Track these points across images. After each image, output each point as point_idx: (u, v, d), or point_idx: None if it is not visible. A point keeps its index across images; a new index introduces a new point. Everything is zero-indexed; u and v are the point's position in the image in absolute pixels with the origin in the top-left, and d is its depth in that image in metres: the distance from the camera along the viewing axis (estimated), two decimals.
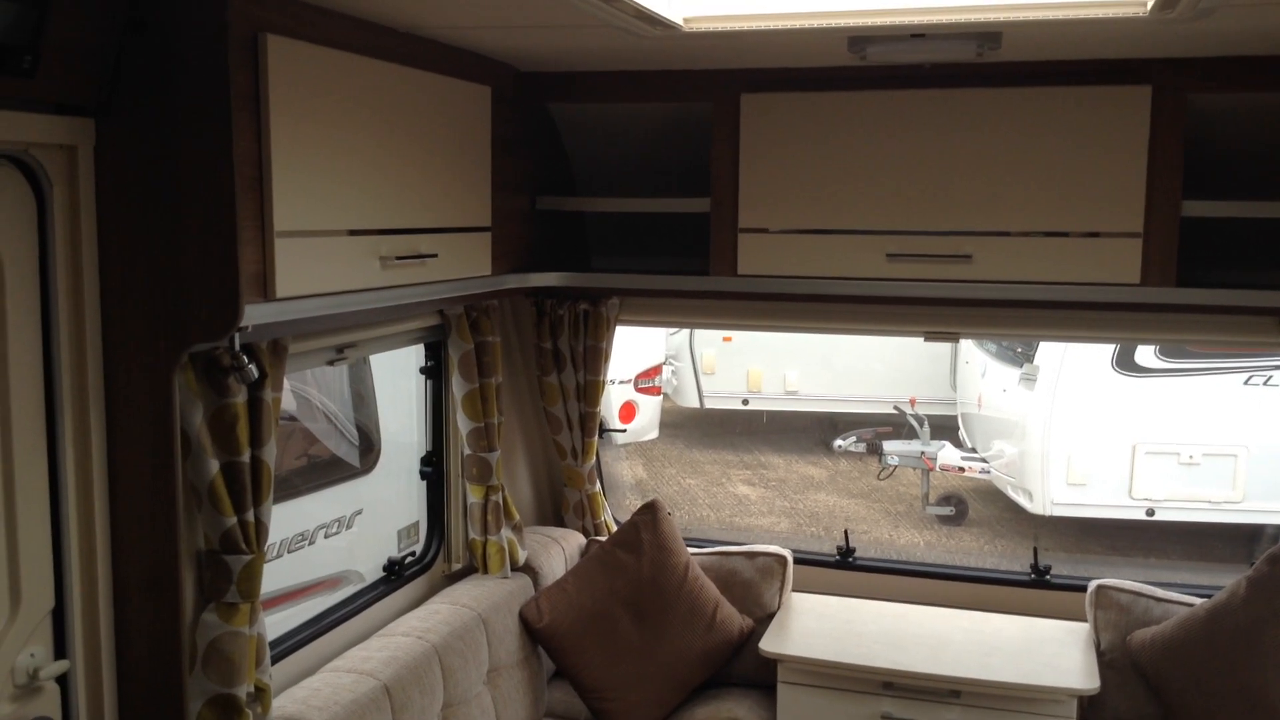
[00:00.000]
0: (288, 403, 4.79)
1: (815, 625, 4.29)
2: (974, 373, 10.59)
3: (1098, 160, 3.63)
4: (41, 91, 2.30)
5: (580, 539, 4.69)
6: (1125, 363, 8.94)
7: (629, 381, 11.07)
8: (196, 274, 2.50)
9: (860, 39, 3.25)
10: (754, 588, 4.43)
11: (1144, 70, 3.54)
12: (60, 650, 2.53)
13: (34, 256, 2.43)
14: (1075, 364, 9.00)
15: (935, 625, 4.26)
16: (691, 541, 4.60)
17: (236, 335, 2.66)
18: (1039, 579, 4.44)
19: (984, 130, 3.71)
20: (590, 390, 4.55)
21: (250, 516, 2.84)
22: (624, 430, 10.59)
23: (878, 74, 3.70)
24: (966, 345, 10.65)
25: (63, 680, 2.53)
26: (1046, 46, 3.40)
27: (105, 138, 2.49)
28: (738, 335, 11.97)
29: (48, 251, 2.44)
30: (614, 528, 4.73)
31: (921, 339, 4.23)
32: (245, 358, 2.73)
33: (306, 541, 4.52)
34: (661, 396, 11.93)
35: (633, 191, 4.31)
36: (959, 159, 3.73)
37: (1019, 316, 4.00)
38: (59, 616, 2.52)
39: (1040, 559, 4.45)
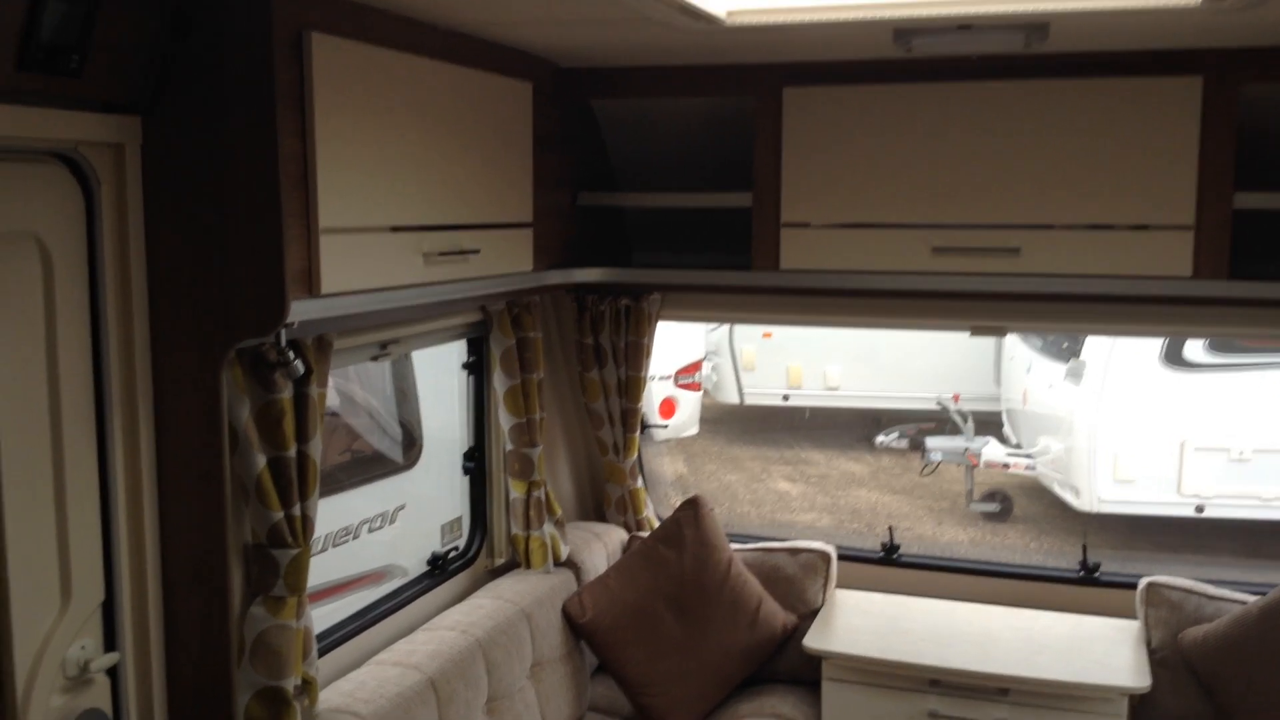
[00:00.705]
0: (331, 399, 4.83)
1: (860, 622, 4.26)
2: (1019, 368, 10.48)
3: (1148, 152, 3.57)
4: (89, 90, 2.32)
5: (622, 534, 4.68)
6: (1174, 357, 8.81)
7: (669, 377, 11.06)
8: (243, 270, 2.52)
9: (906, 31, 3.21)
10: (797, 584, 4.41)
11: (1195, 61, 3.48)
12: (110, 643, 2.56)
13: (83, 254, 2.46)
14: (1123, 359, 8.88)
15: (983, 622, 4.22)
16: (733, 537, 4.58)
17: (282, 331, 2.68)
18: (1088, 576, 4.38)
19: (1032, 122, 3.66)
20: (631, 386, 4.54)
21: (297, 511, 2.86)
22: (665, 426, 10.58)
23: (923, 66, 3.66)
24: (1011, 340, 10.53)
25: (113, 672, 2.56)
26: (1095, 37, 3.35)
27: (152, 136, 2.51)
28: (778, 331, 11.91)
29: (96, 249, 2.47)
30: (656, 523, 4.72)
31: (967, 333, 4.18)
32: (291, 353, 2.75)
33: (351, 536, 4.56)
34: (701, 392, 11.90)
35: (674, 187, 4.29)
36: (1006, 151, 3.68)
37: (1067, 310, 3.94)
38: (109, 609, 2.55)
39: (1088, 556, 4.39)
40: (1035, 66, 3.60)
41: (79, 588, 2.46)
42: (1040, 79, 3.63)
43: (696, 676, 4.13)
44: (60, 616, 2.42)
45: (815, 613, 4.34)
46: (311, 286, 2.68)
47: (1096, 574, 4.37)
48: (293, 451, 2.83)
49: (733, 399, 12.45)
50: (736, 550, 4.45)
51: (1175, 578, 4.12)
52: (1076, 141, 3.63)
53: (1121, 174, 3.60)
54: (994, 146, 3.70)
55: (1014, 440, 10.62)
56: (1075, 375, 9.15)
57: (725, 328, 12.13)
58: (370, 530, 4.67)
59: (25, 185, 2.32)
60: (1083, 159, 3.62)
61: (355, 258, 2.84)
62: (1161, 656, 3.96)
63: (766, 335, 12.06)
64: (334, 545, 4.45)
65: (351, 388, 5.04)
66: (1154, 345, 8.82)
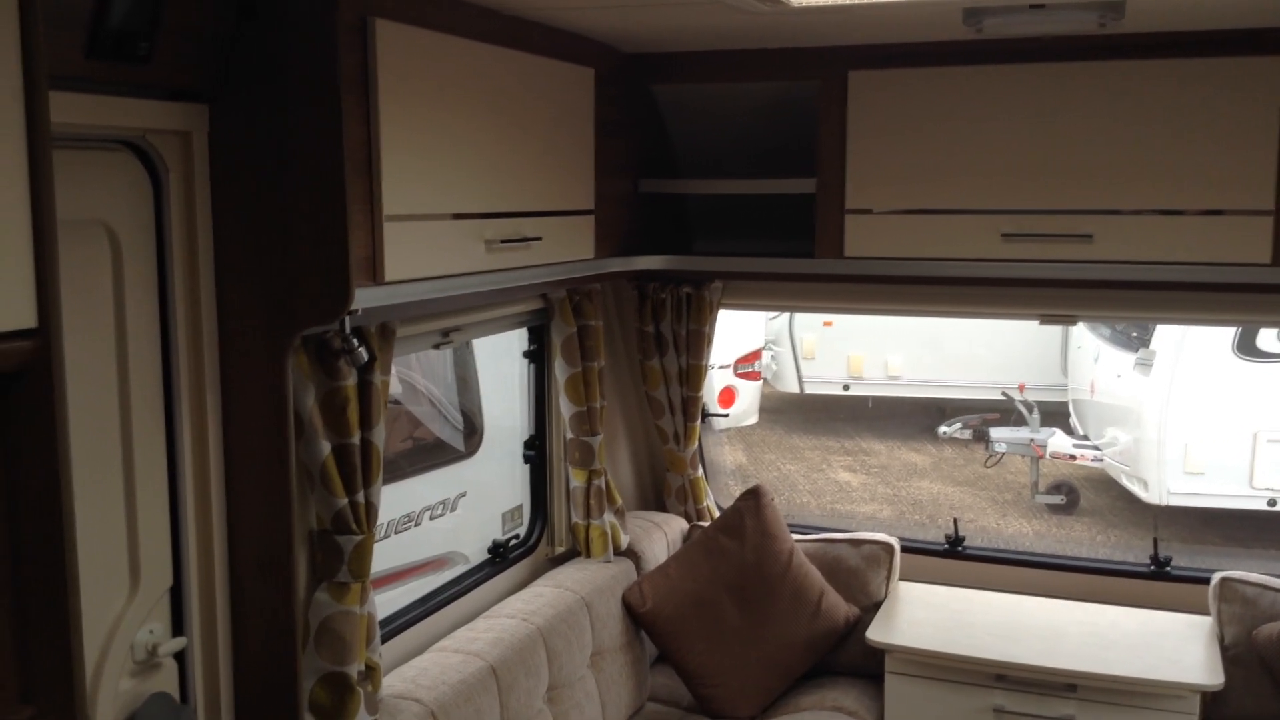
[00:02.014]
0: (393, 387, 4.85)
1: (924, 615, 4.20)
2: (1086, 358, 10.29)
3: (1225, 135, 3.46)
4: (157, 78, 2.33)
5: (682, 524, 4.66)
6: (1247, 347, 8.59)
7: (728, 366, 11.01)
8: (308, 257, 2.53)
9: (976, 11, 3.14)
10: (860, 576, 4.35)
11: (1275, 40, 3.36)
12: (178, 628, 2.58)
13: (151, 241, 2.48)
14: (1194, 348, 8.68)
15: (1050, 617, 4.14)
16: (794, 528, 4.54)
17: (347, 319, 2.68)
18: (1159, 570, 4.28)
19: (1105, 105, 3.56)
20: (692, 374, 4.51)
21: (360, 498, 2.87)
22: (726, 415, 10.53)
23: (993, 47, 3.58)
24: (1079, 329, 10.34)
25: (180, 657, 2.59)
26: (1171, 16, 3.25)
27: (219, 123, 2.52)
28: (839, 319, 11.80)
29: (164, 235, 2.49)
30: (716, 513, 4.69)
31: (1036, 322, 4.10)
32: (355, 341, 2.75)
33: (412, 523, 4.58)
34: (761, 381, 11.83)
35: (736, 173, 4.25)
36: (1079, 135, 3.59)
37: (1140, 298, 3.84)
38: (176, 595, 2.58)
39: (1160, 550, 4.29)
40: (1108, 47, 3.50)
41: (148, 573, 2.48)
42: (1113, 60, 3.53)
43: (757, 668, 4.10)
44: (129, 601, 2.45)
45: (878, 605, 4.28)
46: (375, 274, 2.68)
47: (1168, 568, 4.27)
48: (357, 439, 2.84)
49: (792, 388, 12.37)
50: (798, 541, 4.41)
51: (1249, 573, 4.01)
52: (1151, 125, 3.53)
53: (1198, 158, 3.49)
54: (1065, 130, 3.61)
55: (1080, 431, 10.44)
56: (1145, 365, 8.97)
57: (785, 316, 12.05)
58: (432, 517, 4.68)
59: (95, 173, 2.34)
60: (1157, 142, 3.52)
61: (418, 245, 2.84)
62: (1235, 654, 3.86)
63: (827, 324, 11.96)
64: (396, 532, 4.47)
65: (413, 376, 5.05)
66: (1226, 334, 8.61)
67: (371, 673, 2.93)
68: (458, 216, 3.02)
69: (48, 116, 1.57)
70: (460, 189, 3.01)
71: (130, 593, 2.45)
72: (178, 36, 2.31)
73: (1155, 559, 4.29)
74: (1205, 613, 4.06)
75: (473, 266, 3.07)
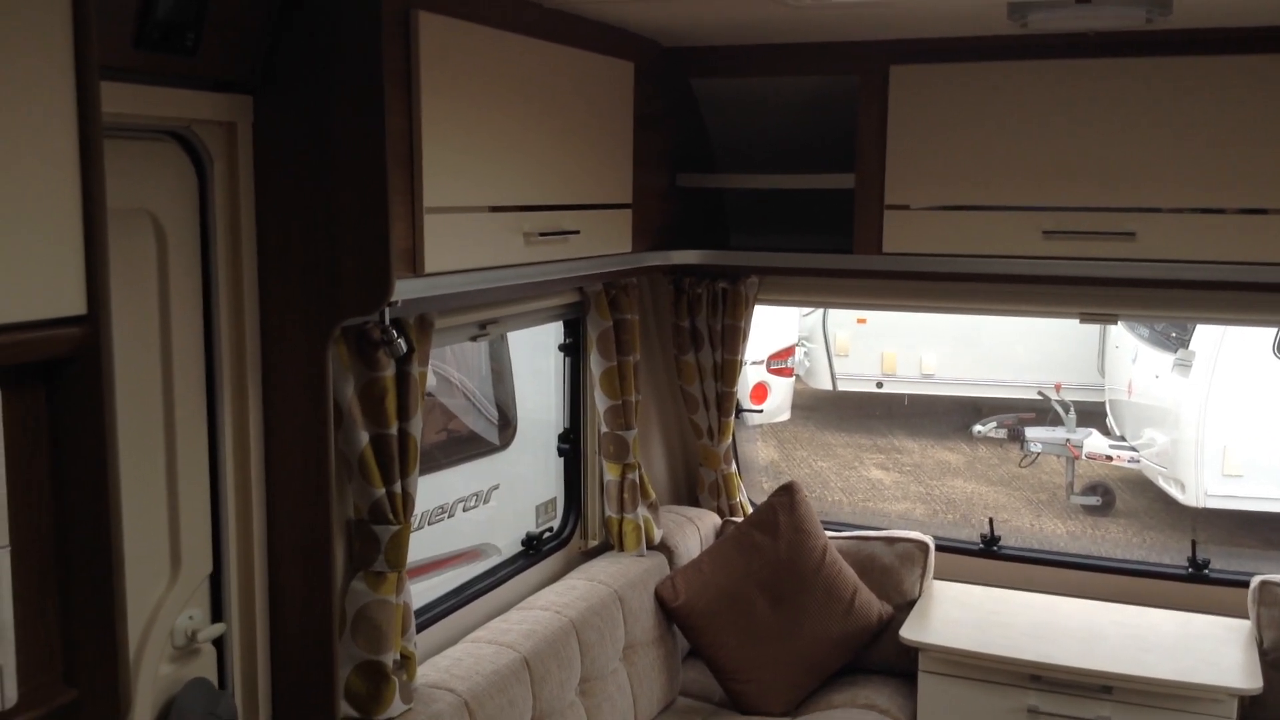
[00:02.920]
0: (429, 380, 4.88)
1: (958, 614, 4.17)
2: (1124, 358, 10.19)
3: (1270, 133, 3.41)
4: (203, 69, 2.35)
5: (715, 519, 4.65)
6: None
7: (761, 362, 10.97)
8: (350, 249, 2.54)
9: (1021, 5, 3.10)
10: (893, 574, 4.34)
11: None
12: (217, 614, 2.61)
13: (195, 230, 2.50)
14: (1233, 349, 8.57)
15: (1086, 618, 4.10)
16: (828, 525, 4.52)
17: (386, 310, 2.70)
18: (1197, 573, 4.23)
19: (1152, 101, 3.52)
20: (727, 370, 4.50)
21: (398, 488, 2.89)
22: (760, 410, 10.50)
23: (1036, 43, 3.55)
24: (1117, 330, 10.25)
25: (219, 643, 2.61)
26: (1220, 12, 3.20)
27: (263, 114, 2.54)
28: (873, 317, 11.74)
29: (208, 225, 2.51)
30: (749, 509, 4.68)
31: (1076, 320, 4.06)
32: (395, 332, 2.77)
33: (446, 514, 4.60)
34: (794, 378, 11.80)
35: (774, 168, 4.23)
36: (1123, 132, 3.55)
37: (1181, 298, 3.80)
38: (216, 581, 2.60)
39: (1198, 553, 4.25)
40: (1155, 43, 3.46)
41: (188, 560, 2.51)
42: (1157, 56, 3.49)
43: (789, 664, 4.09)
44: (170, 587, 2.48)
45: (912, 604, 4.26)
46: (415, 265, 2.70)
47: (1206, 570, 4.23)
48: (394, 429, 2.86)
49: (825, 385, 12.31)
50: (831, 538, 4.39)
51: None
52: (1195, 122, 3.49)
53: (1246, 156, 3.44)
54: (1108, 127, 3.57)
55: (1117, 432, 10.34)
56: (1183, 366, 8.87)
57: (818, 313, 12.00)
58: (465, 509, 4.71)
59: (141, 163, 2.37)
60: (1205, 140, 3.48)
61: (457, 237, 2.85)
62: (1275, 658, 3.81)
63: (861, 321, 11.89)
64: (429, 523, 4.49)
65: (448, 370, 5.08)
66: (1266, 335, 8.50)
67: (407, 662, 2.94)
68: (496, 209, 3.03)
69: (99, 106, 1.59)
70: (499, 182, 3.02)
71: (171, 579, 2.48)
72: (223, 28, 2.32)
73: (1193, 561, 4.24)
74: (1244, 616, 4.02)
75: (511, 259, 3.08)
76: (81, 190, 1.59)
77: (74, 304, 1.57)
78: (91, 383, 1.60)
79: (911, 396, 12.32)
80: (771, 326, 10.88)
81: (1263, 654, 3.82)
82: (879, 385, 12.15)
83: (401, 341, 2.80)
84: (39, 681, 1.61)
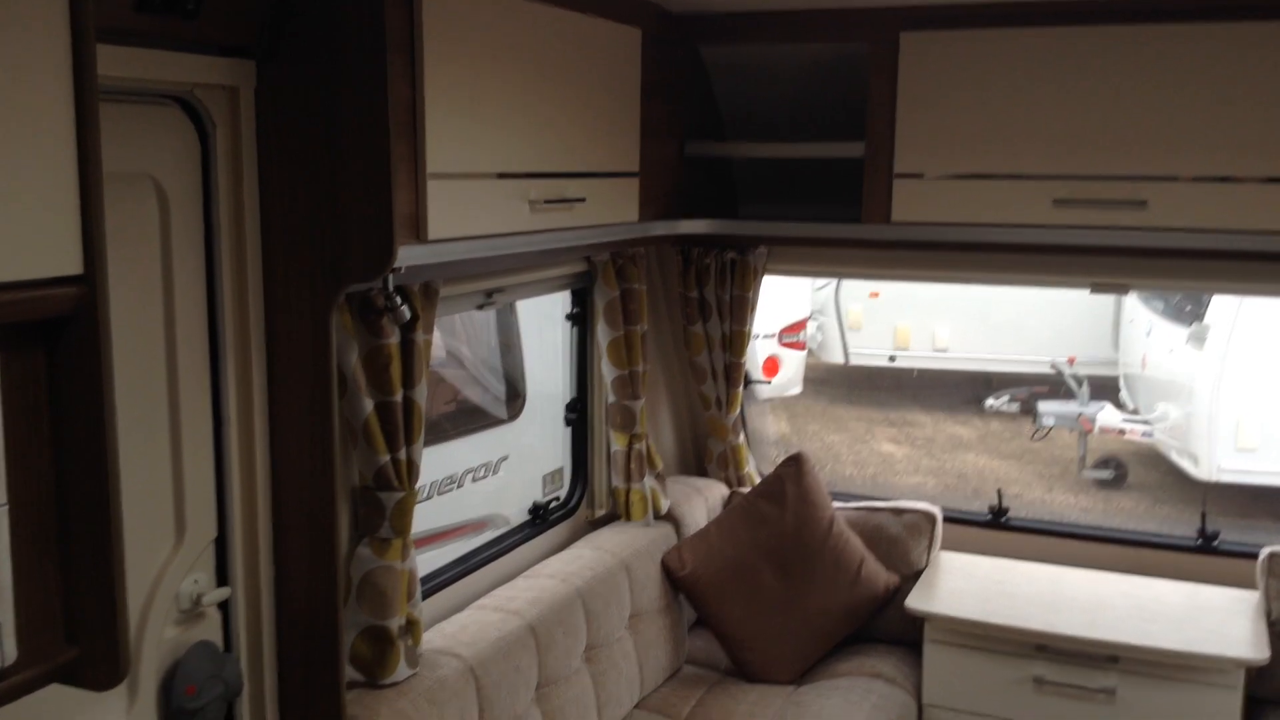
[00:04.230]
0: (438, 351, 4.88)
1: (965, 585, 4.17)
2: (1139, 331, 10.13)
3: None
4: (205, 33, 2.34)
5: (723, 490, 4.66)
6: None
7: (773, 336, 10.95)
8: (352, 215, 2.53)
9: None
10: (900, 544, 4.34)
11: None
12: (222, 578, 2.62)
13: (198, 196, 2.49)
14: (1248, 323, 8.51)
15: (1093, 589, 4.09)
16: (835, 496, 4.52)
17: (390, 277, 2.69)
18: (1206, 544, 4.22)
19: (1165, 68, 3.48)
20: (736, 341, 4.49)
21: (402, 455, 2.89)
22: (768, 382, 10.49)
23: (1048, 9, 3.51)
24: (1131, 303, 10.19)
25: (224, 607, 2.63)
26: None
27: (265, 80, 2.53)
28: (885, 290, 11.69)
29: (211, 191, 2.51)
30: (757, 480, 4.68)
31: (1087, 291, 4.03)
32: (399, 299, 2.77)
33: (455, 485, 4.61)
34: (806, 352, 11.77)
35: (784, 137, 4.20)
36: (1136, 99, 3.51)
37: (1194, 267, 3.77)
38: (221, 546, 2.61)
39: (1208, 524, 4.23)
40: (1169, 9, 3.42)
41: (193, 524, 2.52)
42: (1172, 23, 3.45)
43: (795, 634, 4.10)
44: (174, 552, 2.49)
45: (919, 574, 4.26)
46: (419, 232, 2.69)
47: (1215, 542, 4.21)
48: (399, 397, 2.86)
49: (837, 359, 12.28)
50: (839, 509, 4.39)
51: None
52: (1211, 88, 3.44)
53: (1260, 122, 3.40)
54: (1121, 94, 3.53)
55: (1131, 406, 10.29)
56: (1198, 339, 8.81)
57: (831, 287, 11.96)
58: (474, 480, 4.72)
59: (143, 127, 2.36)
60: (1218, 107, 3.44)
61: (461, 204, 2.84)
62: None
63: (874, 294, 11.84)
64: (439, 493, 4.50)
65: (458, 346, 5.08)
66: None
67: (412, 627, 2.96)
68: (501, 176, 3.01)
69: (94, 66, 1.58)
70: (504, 148, 3.01)
71: (175, 543, 2.49)
72: None
73: (1203, 533, 4.23)
74: (1253, 588, 4.01)
75: (516, 226, 3.07)
76: (77, 151, 1.59)
77: (70, 264, 1.57)
78: (89, 343, 1.60)
79: (921, 370, 12.28)
80: (784, 300, 10.86)
81: (1271, 625, 3.82)
82: (892, 359, 12.10)
83: (405, 308, 2.80)
84: (40, 640, 1.62)
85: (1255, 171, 3.45)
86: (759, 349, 10.61)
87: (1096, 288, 4.00)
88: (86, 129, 1.59)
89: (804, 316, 11.50)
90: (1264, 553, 3.96)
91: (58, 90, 1.56)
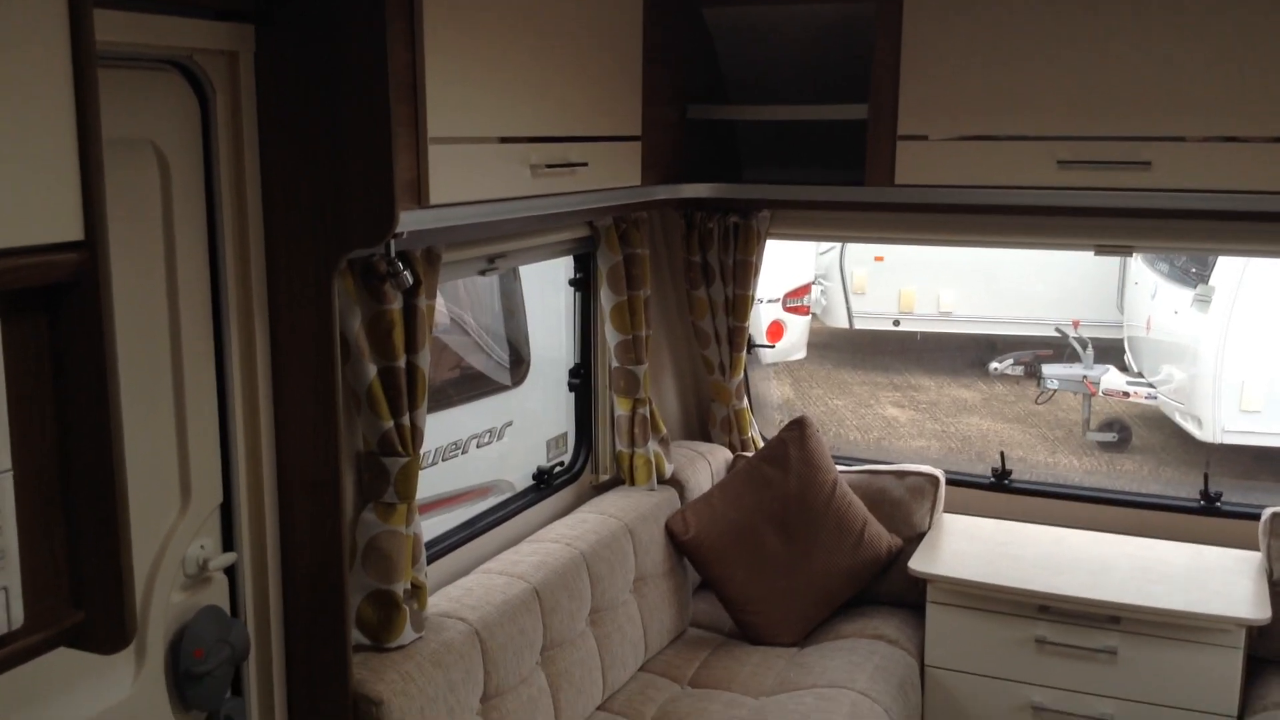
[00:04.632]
0: (443, 317, 4.88)
1: (967, 547, 4.19)
2: (1143, 294, 10.12)
3: None
4: None
5: (727, 454, 4.67)
6: None
7: (777, 300, 10.94)
8: (354, 180, 2.53)
9: None
10: (903, 507, 4.35)
11: None
12: (228, 543, 2.64)
13: (199, 162, 2.49)
14: (1253, 284, 8.50)
15: (1096, 550, 4.11)
16: (838, 459, 4.53)
17: (392, 242, 2.69)
18: (1209, 505, 4.23)
19: (1170, 28, 3.45)
20: (739, 305, 4.49)
21: (406, 420, 2.90)
22: (772, 347, 10.49)
23: None
24: (1136, 266, 10.17)
25: (230, 572, 2.64)
26: None
27: (265, 44, 2.51)
28: (890, 254, 11.67)
29: (211, 157, 2.50)
30: (760, 444, 4.69)
31: (1091, 253, 4.02)
32: (400, 264, 2.77)
33: (460, 451, 4.63)
34: (810, 316, 11.76)
35: (788, 100, 4.18)
36: (1141, 59, 3.48)
37: (1200, 229, 3.76)
38: (227, 512, 2.63)
39: (1210, 486, 4.24)
40: None
41: (198, 490, 2.53)
42: None
43: (799, 596, 4.12)
44: (180, 517, 2.50)
45: (921, 536, 4.28)
46: (420, 197, 2.68)
47: (1218, 503, 4.22)
48: (402, 362, 2.87)
49: (842, 323, 12.28)
50: (842, 472, 4.41)
51: None
52: (1215, 48, 3.42)
53: (1265, 81, 3.38)
54: (1126, 54, 3.50)
55: (1135, 368, 10.30)
56: (1203, 301, 8.80)
57: (835, 251, 11.93)
58: (479, 446, 4.73)
59: (142, 93, 2.35)
60: (1222, 67, 3.41)
61: (463, 169, 2.83)
62: None
63: (878, 258, 11.82)
64: (444, 459, 4.52)
65: (461, 307, 5.08)
66: None
67: (418, 591, 2.98)
68: (503, 140, 3.00)
69: (91, 30, 1.57)
70: (505, 112, 3.00)
71: (181, 509, 2.50)
72: None
73: (1205, 494, 4.24)
74: (1255, 548, 4.02)
75: (517, 191, 3.06)
76: (76, 116, 1.58)
77: (71, 230, 1.57)
78: (90, 309, 1.60)
79: (925, 334, 12.27)
80: (788, 265, 10.84)
81: (1272, 585, 3.83)
82: (896, 323, 12.10)
83: (408, 274, 2.79)
84: (46, 604, 1.63)
85: (1261, 131, 3.42)
86: (763, 314, 10.61)
87: (1100, 250, 3.98)
88: (85, 94, 1.58)
89: (808, 281, 11.49)
90: (1266, 513, 3.97)
91: (56, 55, 1.55)
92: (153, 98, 2.38)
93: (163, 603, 2.45)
